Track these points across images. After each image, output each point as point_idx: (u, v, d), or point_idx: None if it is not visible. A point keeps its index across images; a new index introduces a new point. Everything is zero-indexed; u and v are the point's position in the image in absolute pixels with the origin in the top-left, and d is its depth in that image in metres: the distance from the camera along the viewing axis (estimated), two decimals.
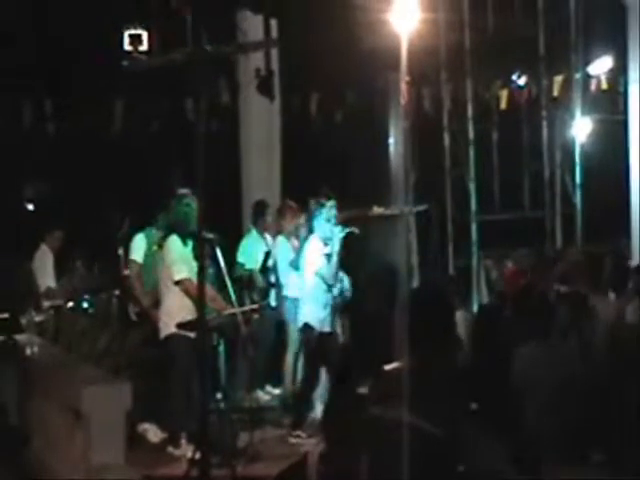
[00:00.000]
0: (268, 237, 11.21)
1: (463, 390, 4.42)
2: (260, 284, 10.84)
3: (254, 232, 11.33)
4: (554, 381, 6.55)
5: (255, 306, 9.80)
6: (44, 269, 11.95)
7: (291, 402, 9.92)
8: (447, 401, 4.07)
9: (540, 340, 6.99)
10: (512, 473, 4.16)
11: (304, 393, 9.47)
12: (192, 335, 7.84)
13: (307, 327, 9.39)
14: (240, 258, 11.08)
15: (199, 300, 5.83)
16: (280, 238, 10.68)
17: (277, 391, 10.70)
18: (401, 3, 9.92)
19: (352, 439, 5.42)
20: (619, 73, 17.22)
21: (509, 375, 6.72)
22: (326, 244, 9.33)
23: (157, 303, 8.89)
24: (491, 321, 7.77)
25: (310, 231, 9.59)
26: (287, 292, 10.47)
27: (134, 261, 10.04)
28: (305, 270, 9.46)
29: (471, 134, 16.10)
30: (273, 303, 10.85)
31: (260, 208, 11.50)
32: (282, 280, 10.58)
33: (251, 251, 11.13)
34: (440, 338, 4.24)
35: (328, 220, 9.33)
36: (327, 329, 9.42)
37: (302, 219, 10.39)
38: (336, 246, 9.23)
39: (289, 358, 10.33)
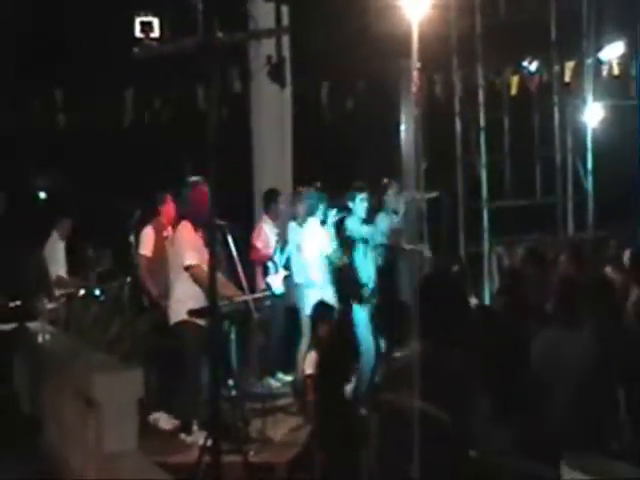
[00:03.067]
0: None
1: (476, 376, 4.41)
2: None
3: (267, 219, 11.35)
4: (569, 368, 6.51)
5: (265, 293, 9.80)
6: (55, 257, 11.98)
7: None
8: (459, 387, 4.08)
9: (557, 326, 6.94)
10: (524, 460, 4.17)
11: None
12: (202, 322, 7.84)
13: None
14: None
15: (210, 287, 5.82)
16: (292, 224, 10.66)
17: (288, 378, 10.70)
18: None
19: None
20: (631, 58, 17.16)
21: (527, 362, 6.67)
22: None
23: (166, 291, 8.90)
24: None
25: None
26: (295, 278, 10.49)
27: (143, 255, 10.08)
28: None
29: (482, 120, 16.06)
30: (282, 289, 10.88)
31: (271, 196, 11.50)
32: (292, 267, 10.62)
33: (270, 238, 11.15)
34: (452, 324, 4.24)
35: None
36: None
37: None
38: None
39: (303, 346, 10.31)
